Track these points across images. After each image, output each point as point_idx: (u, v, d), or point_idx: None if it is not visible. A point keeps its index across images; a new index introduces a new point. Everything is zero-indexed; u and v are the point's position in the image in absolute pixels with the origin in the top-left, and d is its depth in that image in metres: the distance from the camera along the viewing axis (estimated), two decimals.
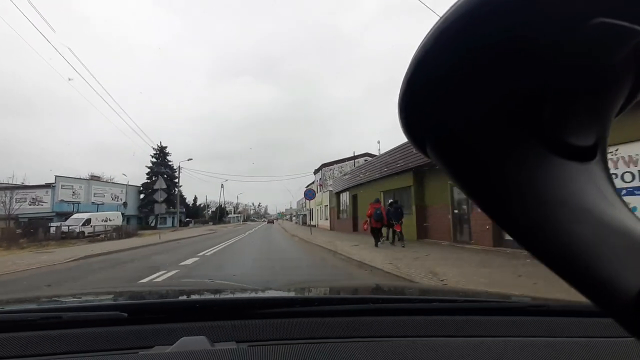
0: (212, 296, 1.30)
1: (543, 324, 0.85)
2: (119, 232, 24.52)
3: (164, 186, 19.22)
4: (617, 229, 0.20)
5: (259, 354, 0.70)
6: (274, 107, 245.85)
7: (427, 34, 0.22)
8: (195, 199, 69.99)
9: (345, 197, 24.13)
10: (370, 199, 13.46)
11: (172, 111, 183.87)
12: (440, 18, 0.21)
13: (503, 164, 0.23)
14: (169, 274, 6.86)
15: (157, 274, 6.75)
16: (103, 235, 24.06)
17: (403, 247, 10.48)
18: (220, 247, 13.33)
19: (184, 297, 1.32)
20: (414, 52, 0.23)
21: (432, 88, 0.23)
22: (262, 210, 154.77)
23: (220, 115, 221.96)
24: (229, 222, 79.92)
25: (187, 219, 59.35)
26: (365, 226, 11.96)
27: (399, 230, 11.12)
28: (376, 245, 11.15)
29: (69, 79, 29.69)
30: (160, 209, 19.39)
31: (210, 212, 76.79)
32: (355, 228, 20.88)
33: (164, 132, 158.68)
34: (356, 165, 26.51)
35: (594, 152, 0.22)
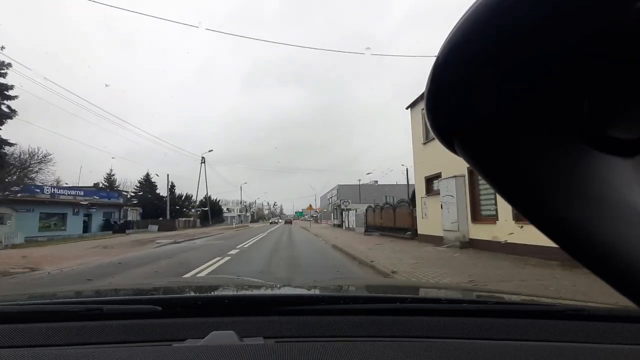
0: (240, 292, 1.35)
1: (582, 329, 0.83)
2: None
3: None
4: None
5: (285, 350, 0.71)
6: (300, 110, 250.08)
7: (454, 26, 0.21)
8: (172, 187, 49.91)
9: None
10: None
11: (205, 117, 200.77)
12: (469, 8, 0.20)
13: (537, 160, 0.21)
14: None
15: None
16: None
17: None
18: None
19: (214, 293, 1.37)
20: (441, 46, 0.21)
21: (459, 79, 0.21)
22: (278, 210, 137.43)
23: (248, 119, 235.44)
24: (222, 222, 60.77)
25: (160, 218, 40.05)
26: None
27: None
28: None
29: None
30: None
31: (197, 209, 56.43)
32: None
33: (200, 136, 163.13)
34: None
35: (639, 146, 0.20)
